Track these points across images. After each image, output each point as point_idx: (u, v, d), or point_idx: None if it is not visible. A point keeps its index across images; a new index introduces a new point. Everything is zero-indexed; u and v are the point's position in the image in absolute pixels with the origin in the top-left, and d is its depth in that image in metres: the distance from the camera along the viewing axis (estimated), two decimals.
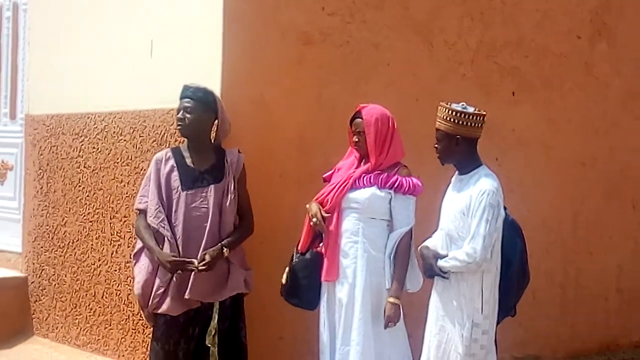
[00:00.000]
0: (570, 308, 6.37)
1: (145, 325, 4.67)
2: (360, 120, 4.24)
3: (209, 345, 4.19)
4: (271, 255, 4.43)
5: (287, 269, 4.26)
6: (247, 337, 4.38)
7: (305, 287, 4.22)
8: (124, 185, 5.09)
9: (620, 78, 6.65)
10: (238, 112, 4.65)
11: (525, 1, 6.05)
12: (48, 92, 5.78)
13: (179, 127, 4.30)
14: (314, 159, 4.79)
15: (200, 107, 4.27)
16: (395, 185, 4.16)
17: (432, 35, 5.53)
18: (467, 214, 3.83)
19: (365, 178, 4.22)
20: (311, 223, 4.19)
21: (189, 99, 4.28)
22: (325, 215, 4.18)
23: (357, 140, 4.26)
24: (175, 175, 4.25)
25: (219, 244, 4.17)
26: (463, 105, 3.92)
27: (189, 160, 4.30)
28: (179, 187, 4.22)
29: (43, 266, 5.68)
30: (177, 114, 4.29)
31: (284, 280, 4.26)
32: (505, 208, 3.98)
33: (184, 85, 4.36)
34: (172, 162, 4.28)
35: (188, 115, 4.25)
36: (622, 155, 6.68)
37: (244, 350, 4.34)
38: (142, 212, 4.28)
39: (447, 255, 3.90)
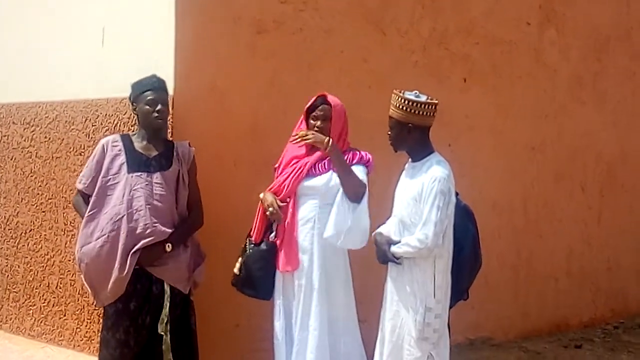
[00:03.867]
0: (522, 290, 6.50)
1: (101, 315, 4.66)
2: (327, 106, 4.26)
3: (162, 333, 4.18)
4: (225, 243, 4.45)
5: (240, 259, 4.28)
6: (201, 325, 4.39)
7: (261, 277, 4.25)
8: (77, 175, 5.02)
9: (568, 64, 6.78)
10: (191, 100, 4.65)
11: None
12: None
13: (157, 119, 4.23)
14: (268, 146, 4.81)
15: (167, 97, 4.32)
16: (355, 159, 4.23)
17: (384, 23, 5.58)
18: (419, 200, 3.89)
19: (321, 164, 4.27)
20: (267, 213, 4.21)
21: (160, 90, 4.28)
22: (282, 204, 4.21)
23: (322, 126, 4.26)
24: (121, 158, 4.24)
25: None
26: (416, 93, 3.97)
27: (137, 145, 4.29)
28: (124, 170, 4.21)
29: None
30: (150, 105, 4.22)
31: (237, 271, 4.28)
32: (457, 194, 4.06)
33: (152, 75, 4.32)
34: (119, 146, 4.28)
35: (162, 107, 4.25)
36: (570, 140, 6.82)
37: (194, 338, 4.35)
38: (80, 192, 4.32)
39: (400, 241, 3.96)
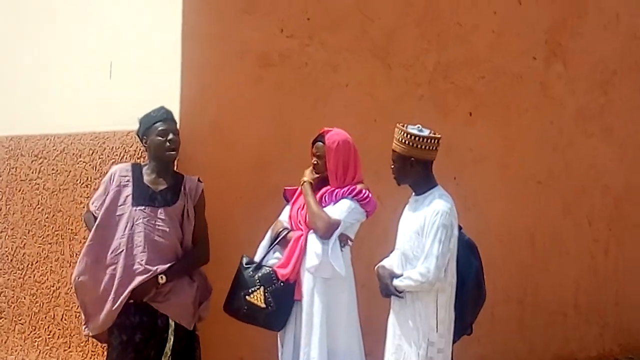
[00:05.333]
0: (528, 324, 6.46)
1: (105, 348, 4.66)
2: (321, 144, 4.35)
3: None
4: (230, 277, 4.42)
5: (262, 292, 4.24)
6: (207, 358, 4.39)
7: (287, 312, 4.27)
8: (83, 207, 5.08)
9: (575, 97, 6.79)
10: (196, 133, 4.68)
11: (481, 23, 6.17)
12: (6, 113, 5.75)
13: (169, 149, 4.27)
14: (273, 179, 4.83)
15: (177, 127, 4.37)
16: (345, 194, 4.27)
17: (389, 56, 5.62)
18: (421, 234, 3.91)
19: (324, 198, 4.31)
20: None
21: (170, 120, 4.33)
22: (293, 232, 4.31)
23: (316, 162, 4.36)
24: (128, 189, 4.27)
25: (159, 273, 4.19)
26: (419, 127, 4.00)
27: (146, 178, 4.32)
28: (130, 202, 4.24)
29: (2, 288, 5.62)
30: (161, 136, 4.26)
31: (262, 304, 4.22)
32: (460, 228, 4.07)
33: (160, 107, 4.37)
34: (129, 177, 4.32)
35: (174, 137, 4.29)
36: (577, 173, 6.81)
37: None
38: (91, 212, 4.36)
39: (402, 275, 3.96)
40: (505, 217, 6.24)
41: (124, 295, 4.13)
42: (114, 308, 4.14)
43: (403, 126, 3.99)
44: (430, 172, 4.04)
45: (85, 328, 4.33)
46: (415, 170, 3.99)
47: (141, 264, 4.14)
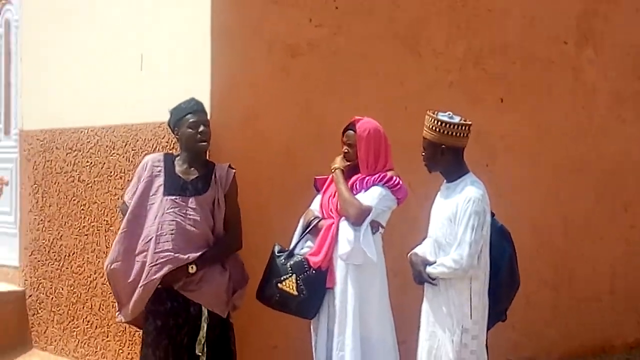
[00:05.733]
0: (564, 310, 6.43)
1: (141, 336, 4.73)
2: (352, 132, 4.36)
3: (199, 354, 4.23)
4: (262, 266, 4.46)
5: (294, 280, 4.27)
6: (240, 346, 4.43)
7: (320, 299, 4.29)
8: (118, 199, 5.15)
9: (607, 82, 6.72)
10: (227, 124, 4.72)
11: (512, 8, 6.12)
12: (41, 107, 5.85)
13: (200, 140, 4.32)
14: (303, 169, 4.85)
15: (207, 118, 4.41)
16: (376, 181, 4.28)
17: (419, 44, 5.61)
18: (453, 221, 3.90)
19: (355, 185, 4.32)
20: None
21: (200, 112, 4.38)
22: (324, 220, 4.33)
23: (347, 151, 4.37)
24: (160, 179, 4.32)
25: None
26: (449, 114, 3.99)
27: (177, 169, 4.37)
28: (161, 191, 4.29)
29: (40, 280, 5.74)
30: (192, 128, 4.31)
31: (294, 292, 4.25)
32: (493, 214, 4.06)
33: (191, 99, 4.41)
34: (160, 167, 4.37)
35: (205, 128, 4.33)
36: (611, 158, 6.74)
37: (234, 359, 4.38)
38: (125, 203, 4.43)
39: (435, 262, 3.96)
40: (538, 203, 6.21)
41: (152, 283, 4.17)
42: (143, 295, 4.20)
43: (433, 113, 3.98)
44: (462, 159, 4.03)
45: (118, 314, 4.41)
46: (446, 158, 3.98)
47: (171, 252, 4.18)
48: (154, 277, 4.18)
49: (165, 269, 4.17)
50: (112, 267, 4.30)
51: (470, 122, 3.98)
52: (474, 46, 5.88)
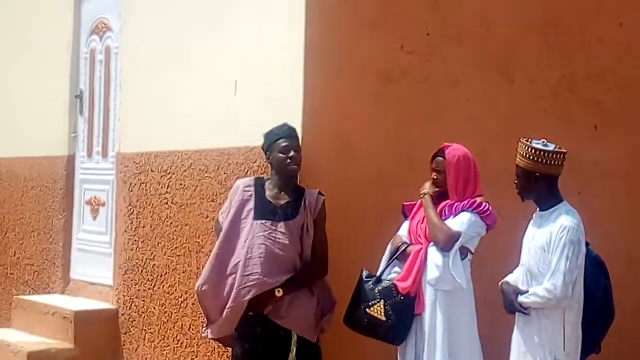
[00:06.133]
0: None
1: (230, 357, 4.78)
2: (441, 159, 4.34)
3: None
4: (351, 290, 4.46)
5: (382, 305, 4.26)
6: None
7: (409, 326, 4.27)
8: (209, 221, 5.24)
9: None
10: (318, 148, 4.76)
11: (607, 34, 6.00)
12: (137, 131, 6.03)
13: (290, 165, 4.39)
14: (393, 194, 4.83)
15: (299, 144, 4.48)
16: (465, 207, 4.25)
17: (511, 70, 5.55)
18: (547, 250, 3.84)
19: (443, 211, 4.31)
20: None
21: (292, 137, 4.45)
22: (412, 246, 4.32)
23: (435, 177, 4.36)
24: (250, 204, 4.39)
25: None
26: (544, 142, 3.94)
27: (268, 193, 4.44)
28: (251, 215, 4.35)
29: (133, 298, 5.88)
30: (283, 153, 4.38)
31: (383, 317, 4.24)
32: (587, 244, 3.97)
33: (284, 124, 4.49)
34: (251, 191, 4.45)
35: (295, 153, 4.40)
36: None
37: None
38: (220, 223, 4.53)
39: (527, 291, 3.90)
40: (633, 233, 6.02)
41: (240, 305, 4.23)
42: (231, 317, 4.27)
43: (527, 141, 3.93)
44: (556, 187, 3.97)
45: (205, 330, 4.49)
46: (540, 186, 3.92)
47: (259, 276, 4.23)
48: (242, 299, 4.24)
49: (252, 292, 4.23)
50: (203, 288, 4.39)
51: (565, 150, 3.92)
52: (567, 71, 5.79)
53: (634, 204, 6.07)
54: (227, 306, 4.28)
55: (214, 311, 4.38)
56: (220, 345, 5.03)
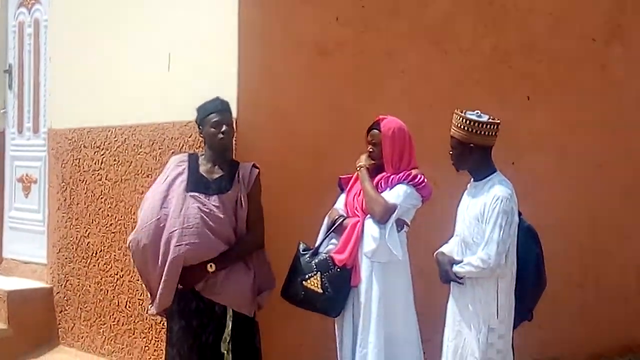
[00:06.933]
0: (590, 309, 6.38)
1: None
2: (377, 131, 4.36)
3: (224, 351, 4.25)
4: (287, 264, 4.46)
5: (319, 278, 4.27)
6: (265, 344, 4.45)
7: (345, 298, 4.29)
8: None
9: (635, 79, 6.65)
10: (254, 122, 4.74)
11: (538, 5, 6.08)
12: (69, 106, 5.90)
13: (222, 140, 4.35)
14: (329, 167, 4.85)
15: (231, 118, 4.43)
16: (400, 179, 4.29)
17: (445, 42, 5.59)
18: (481, 220, 3.89)
19: (379, 184, 4.33)
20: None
21: (224, 111, 4.40)
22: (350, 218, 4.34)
23: (371, 150, 4.37)
24: (183, 177, 4.35)
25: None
26: (477, 113, 3.98)
27: (202, 168, 4.40)
28: (183, 188, 4.31)
29: (68, 277, 5.79)
30: (215, 127, 4.34)
31: (319, 290, 4.25)
32: (520, 214, 4.04)
33: (216, 98, 4.44)
34: (184, 165, 4.41)
35: (227, 128, 4.36)
36: (638, 156, 6.67)
37: (259, 356, 4.41)
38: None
39: (462, 261, 3.95)
40: (565, 202, 6.16)
41: (175, 274, 4.18)
42: (167, 287, 4.21)
43: (461, 112, 3.97)
44: (490, 158, 4.02)
45: (150, 307, 4.44)
46: (475, 157, 3.96)
47: (195, 246, 4.18)
48: (178, 268, 4.18)
49: (186, 259, 4.16)
50: (142, 244, 4.26)
51: (498, 121, 3.97)
52: (500, 44, 5.85)
53: (565, 173, 6.20)
54: (162, 277, 4.22)
55: (152, 273, 4.29)
56: (158, 322, 5.01)
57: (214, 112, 4.37)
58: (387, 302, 4.23)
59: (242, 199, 4.34)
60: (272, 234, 4.50)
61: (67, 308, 5.79)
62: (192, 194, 4.29)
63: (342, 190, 4.54)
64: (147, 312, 4.60)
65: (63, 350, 5.72)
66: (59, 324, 5.83)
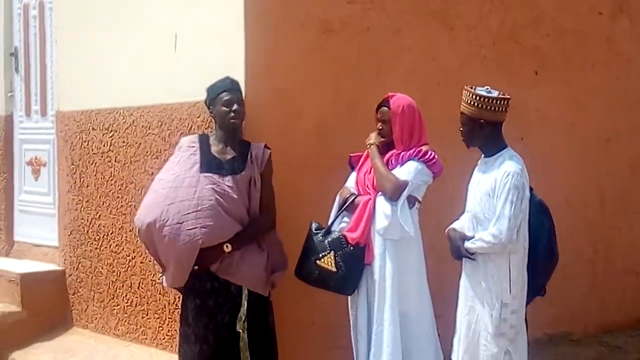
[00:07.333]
0: (600, 284, 6.40)
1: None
2: (386, 109, 4.36)
3: (239, 330, 4.29)
4: (297, 244, 4.46)
5: (332, 257, 4.28)
6: (278, 323, 4.47)
7: (359, 276, 4.31)
8: (154, 178, 5.18)
9: None
10: (260, 102, 4.73)
11: None
12: (77, 88, 5.89)
13: (233, 118, 4.34)
14: (335, 146, 4.86)
15: (242, 97, 4.42)
16: (411, 156, 4.30)
17: (452, 19, 5.57)
18: (492, 195, 3.90)
19: (390, 161, 4.34)
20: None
21: (235, 91, 4.40)
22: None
23: (381, 127, 4.38)
24: (195, 158, 4.35)
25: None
26: (487, 89, 3.98)
27: (213, 149, 4.40)
28: (196, 169, 4.31)
29: (80, 259, 5.82)
30: (226, 106, 4.33)
31: (333, 268, 4.27)
32: (531, 189, 4.05)
33: (226, 77, 4.44)
34: (196, 147, 4.41)
35: (238, 107, 4.35)
36: None
37: (273, 335, 4.44)
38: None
39: (473, 237, 3.97)
40: (573, 177, 6.16)
41: (191, 256, 4.18)
42: (183, 268, 4.22)
43: (471, 88, 3.97)
44: (500, 134, 4.02)
45: (160, 276, 4.47)
46: (485, 132, 3.97)
47: (210, 228, 4.18)
48: (189, 256, 4.19)
49: (202, 242, 4.16)
50: (158, 225, 4.21)
51: (508, 96, 3.97)
52: (507, 19, 5.83)
53: (574, 148, 6.20)
54: (175, 258, 4.23)
55: (160, 251, 4.28)
56: (171, 302, 5.05)
57: (225, 91, 4.37)
58: (401, 279, 4.25)
59: (256, 179, 4.35)
60: (283, 213, 4.51)
61: (80, 290, 5.82)
62: (205, 174, 4.29)
63: (353, 168, 4.55)
64: (159, 281, 4.62)
65: (77, 332, 5.75)
66: (73, 305, 5.86)
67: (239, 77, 4.63)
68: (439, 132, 4.66)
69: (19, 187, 6.55)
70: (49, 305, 5.84)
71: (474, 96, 3.93)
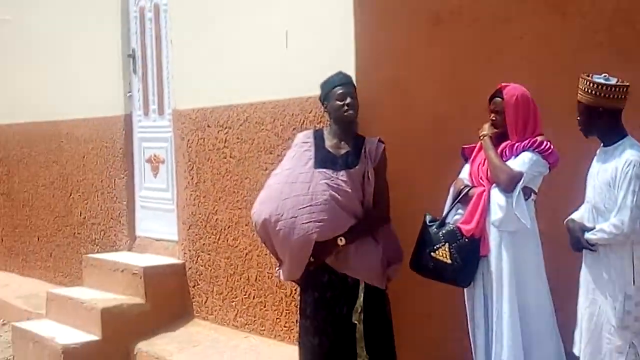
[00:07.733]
0: None
1: (298, 306, 4.89)
2: (499, 99, 4.32)
3: (356, 322, 4.34)
4: (413, 235, 4.49)
5: (447, 249, 4.28)
6: (395, 315, 4.51)
7: (475, 267, 4.30)
8: (268, 173, 5.26)
9: None
10: (372, 96, 4.74)
11: None
12: (192, 87, 6.08)
13: (347, 111, 4.39)
14: (450, 137, 4.83)
15: (355, 91, 4.47)
16: (525, 147, 4.23)
17: (564, 4, 5.44)
18: (613, 185, 3.82)
19: (504, 152, 4.30)
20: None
21: (348, 84, 4.45)
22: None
23: (494, 118, 4.34)
24: (310, 154, 4.43)
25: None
26: (605, 76, 3.90)
27: (327, 143, 4.46)
28: (311, 165, 4.38)
29: (199, 252, 6.01)
30: (340, 100, 4.39)
31: (448, 260, 4.28)
32: None
33: (339, 72, 4.50)
34: (310, 142, 4.49)
35: (352, 100, 4.40)
36: None
37: (390, 326, 4.47)
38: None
39: (593, 228, 3.90)
40: None
41: (307, 249, 4.27)
42: (298, 261, 4.32)
43: (588, 76, 3.89)
44: (620, 122, 3.93)
45: (277, 269, 4.57)
46: (604, 121, 3.88)
47: (324, 222, 4.26)
48: (303, 249, 4.28)
49: (316, 236, 4.24)
50: (274, 220, 4.31)
51: (627, 83, 3.87)
52: (622, 3, 5.65)
53: None
54: (290, 252, 4.33)
55: (276, 245, 4.39)
56: (288, 294, 5.16)
57: (338, 85, 4.43)
58: (518, 271, 4.21)
59: (369, 173, 4.39)
60: (397, 205, 4.53)
61: (199, 283, 6.01)
62: (320, 170, 4.37)
63: (466, 160, 4.53)
64: (275, 275, 4.73)
65: (198, 324, 5.94)
66: (193, 298, 6.06)
67: (350, 70, 4.67)
68: (554, 121, 4.58)
69: (139, 183, 6.81)
70: (170, 297, 6.06)
71: (591, 84, 3.85)
